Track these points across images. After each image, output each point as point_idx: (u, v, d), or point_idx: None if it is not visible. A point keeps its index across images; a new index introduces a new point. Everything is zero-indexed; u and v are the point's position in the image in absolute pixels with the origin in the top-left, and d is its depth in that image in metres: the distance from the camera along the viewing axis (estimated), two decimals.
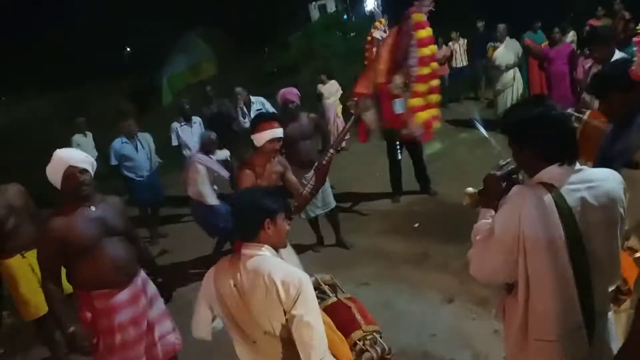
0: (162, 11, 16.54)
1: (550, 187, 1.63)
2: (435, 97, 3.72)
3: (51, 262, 2.60)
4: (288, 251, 3.08)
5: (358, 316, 2.40)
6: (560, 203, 1.60)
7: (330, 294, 2.47)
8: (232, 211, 2.04)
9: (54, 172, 2.59)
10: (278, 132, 3.23)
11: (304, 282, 1.85)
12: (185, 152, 6.34)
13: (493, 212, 1.90)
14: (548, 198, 1.61)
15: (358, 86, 3.44)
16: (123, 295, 2.69)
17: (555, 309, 1.66)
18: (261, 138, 3.21)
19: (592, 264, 1.64)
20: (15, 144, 10.41)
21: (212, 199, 4.85)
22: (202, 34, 9.78)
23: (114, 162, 5.93)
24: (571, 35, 7.94)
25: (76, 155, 2.66)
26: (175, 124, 6.53)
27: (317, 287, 2.47)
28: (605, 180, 1.68)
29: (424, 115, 3.58)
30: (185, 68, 8.40)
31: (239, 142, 7.09)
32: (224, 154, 5.71)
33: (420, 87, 3.56)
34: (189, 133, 6.49)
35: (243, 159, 7.13)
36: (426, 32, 3.51)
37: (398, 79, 3.51)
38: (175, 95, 8.16)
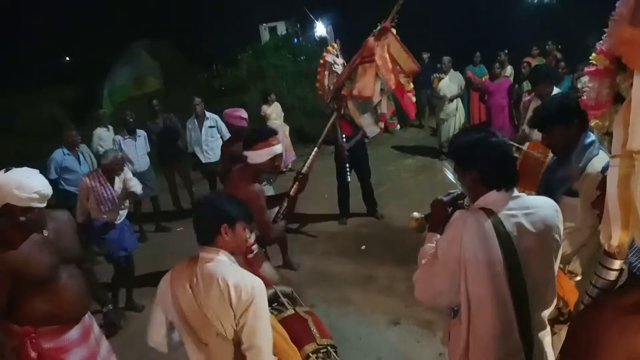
0: (107, 21, 16.02)
1: (489, 212, 1.68)
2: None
3: None
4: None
5: (313, 329, 2.37)
6: (499, 228, 1.65)
7: (288, 307, 2.43)
8: (193, 212, 2.05)
9: None
10: (279, 148, 3.01)
11: (257, 288, 1.86)
12: (127, 167, 6.06)
13: (438, 236, 1.94)
14: (487, 223, 1.65)
15: (365, 90, 3.50)
16: (74, 333, 2.40)
17: (495, 332, 1.69)
18: (263, 154, 2.92)
19: (529, 289, 1.68)
20: None
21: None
22: (149, 46, 9.56)
23: (53, 175, 5.46)
24: (509, 70, 8.45)
25: (22, 188, 2.15)
26: (118, 137, 6.24)
27: (275, 299, 2.43)
28: (541, 207, 1.74)
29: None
30: (129, 81, 8.17)
31: (182, 159, 6.93)
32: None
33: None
34: (133, 147, 6.23)
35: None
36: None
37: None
38: (116, 108, 7.89)
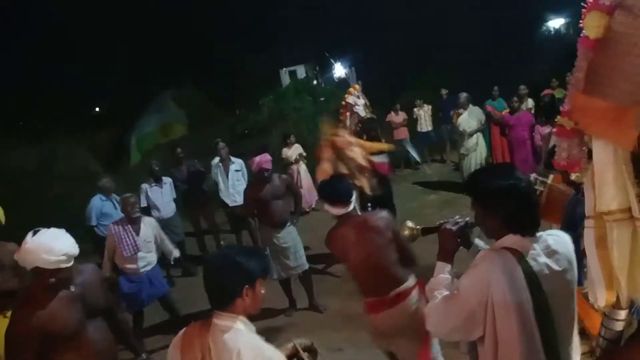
0: (137, 70, 16.75)
1: (516, 253, 1.67)
2: None
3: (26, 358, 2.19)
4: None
5: None
6: (527, 269, 1.65)
7: None
8: (205, 274, 1.82)
9: (23, 262, 2.22)
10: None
11: None
12: (154, 214, 6.20)
13: (449, 266, 1.93)
14: (516, 265, 1.65)
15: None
16: None
17: None
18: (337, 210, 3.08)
19: (556, 326, 1.66)
20: None
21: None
22: (175, 94, 9.90)
23: (94, 222, 5.65)
24: (530, 103, 8.43)
25: (51, 251, 2.17)
26: (145, 185, 6.43)
27: (294, 355, 2.37)
28: (561, 244, 1.75)
29: None
30: (155, 128, 8.44)
31: (208, 204, 7.03)
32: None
33: None
34: (159, 194, 6.39)
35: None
36: None
37: None
38: (144, 156, 8.12)
